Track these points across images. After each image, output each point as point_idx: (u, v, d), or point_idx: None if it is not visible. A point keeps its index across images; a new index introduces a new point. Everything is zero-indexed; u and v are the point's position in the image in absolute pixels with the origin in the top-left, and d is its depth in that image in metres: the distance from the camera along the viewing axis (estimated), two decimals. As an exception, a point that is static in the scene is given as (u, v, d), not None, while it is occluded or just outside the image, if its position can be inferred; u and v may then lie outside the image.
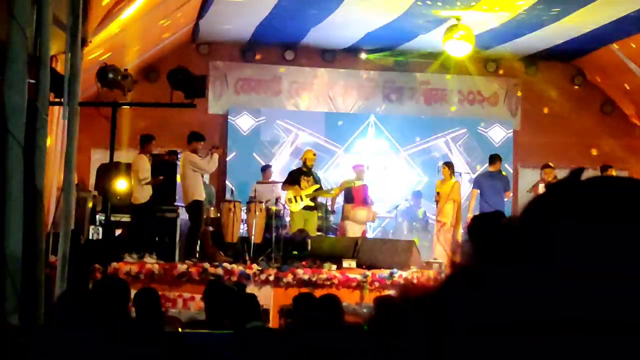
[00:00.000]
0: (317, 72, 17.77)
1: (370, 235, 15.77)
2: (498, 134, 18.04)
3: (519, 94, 18.26)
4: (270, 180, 15.62)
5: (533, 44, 16.45)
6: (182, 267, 12.36)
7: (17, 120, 4.69)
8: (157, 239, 13.22)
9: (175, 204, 13.61)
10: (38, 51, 6.34)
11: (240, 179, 16.56)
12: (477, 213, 13.41)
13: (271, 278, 12.48)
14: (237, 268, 12.56)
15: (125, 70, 9.89)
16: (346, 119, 17.80)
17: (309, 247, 13.39)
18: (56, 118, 9.97)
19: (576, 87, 18.14)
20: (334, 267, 12.84)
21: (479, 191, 14.73)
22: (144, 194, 12.99)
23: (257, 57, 17.40)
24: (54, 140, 10.34)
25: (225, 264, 12.62)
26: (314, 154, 14.92)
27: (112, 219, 12.40)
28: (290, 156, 17.21)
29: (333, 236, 14.96)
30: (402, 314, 0.79)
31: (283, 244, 13.81)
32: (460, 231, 14.23)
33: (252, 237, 14.08)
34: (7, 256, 4.48)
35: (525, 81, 18.05)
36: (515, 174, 17.65)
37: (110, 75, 9.30)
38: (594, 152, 17.45)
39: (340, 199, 15.42)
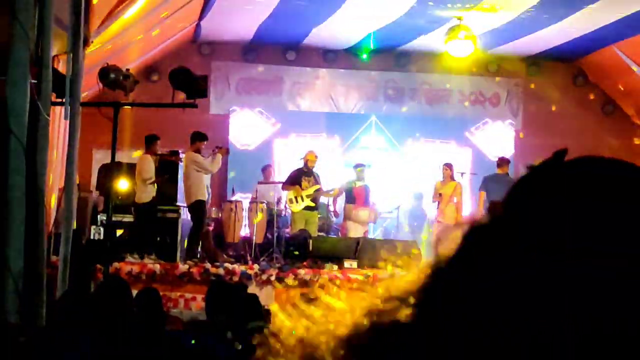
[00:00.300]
0: (318, 72, 17.77)
1: (371, 235, 15.77)
2: (499, 135, 18.04)
3: (521, 94, 18.25)
4: (271, 180, 15.63)
5: (534, 45, 16.45)
6: (183, 267, 12.36)
7: (19, 120, 4.69)
8: (158, 239, 13.23)
9: (177, 204, 13.62)
10: (40, 51, 6.35)
11: (241, 179, 16.55)
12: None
13: (272, 278, 12.49)
14: (239, 268, 12.57)
15: (127, 70, 9.89)
16: (347, 119, 17.80)
17: (311, 248, 13.39)
18: (58, 118, 9.96)
19: (577, 87, 18.13)
20: (335, 267, 12.85)
21: (485, 193, 14.71)
22: (148, 194, 13.00)
23: (259, 57, 17.39)
24: (56, 140, 10.34)
25: (227, 264, 12.63)
26: (316, 155, 14.92)
27: (114, 219, 12.42)
28: (291, 157, 17.20)
29: (334, 236, 14.97)
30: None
31: (285, 244, 13.82)
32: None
33: (254, 238, 14.09)
34: (8, 256, 4.48)
35: (526, 82, 18.05)
36: (517, 174, 17.61)
37: (112, 75, 9.31)
38: (596, 152, 17.41)
39: (341, 200, 15.41)
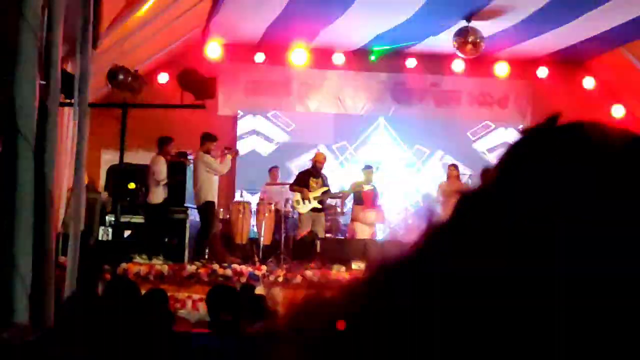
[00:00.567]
0: (326, 73, 17.77)
1: (379, 237, 15.75)
2: (508, 136, 18.01)
3: (529, 96, 18.22)
4: (278, 181, 15.63)
5: (543, 46, 16.43)
6: (191, 268, 12.37)
7: (27, 121, 4.70)
8: (166, 240, 13.24)
9: (185, 205, 13.63)
10: (48, 52, 6.36)
11: (249, 180, 16.56)
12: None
13: (280, 279, 12.49)
14: (246, 269, 12.57)
15: (136, 71, 9.92)
16: (356, 120, 17.80)
17: (318, 249, 13.39)
18: (66, 119, 9.98)
19: (586, 89, 18.10)
20: (343, 268, 12.84)
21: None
22: (160, 195, 13.03)
23: (267, 58, 17.40)
24: (64, 141, 10.35)
25: (235, 265, 12.63)
26: (324, 157, 14.93)
27: (122, 219, 12.45)
28: (298, 158, 17.20)
29: (342, 238, 14.96)
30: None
31: (292, 245, 13.82)
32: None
33: (262, 239, 14.09)
34: (17, 256, 4.49)
35: (535, 83, 18.02)
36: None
37: (121, 76, 9.33)
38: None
39: (349, 201, 15.41)
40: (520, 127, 18.05)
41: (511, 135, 17.99)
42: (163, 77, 16.34)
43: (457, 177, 15.02)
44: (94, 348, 4.60)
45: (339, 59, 17.50)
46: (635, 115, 17.83)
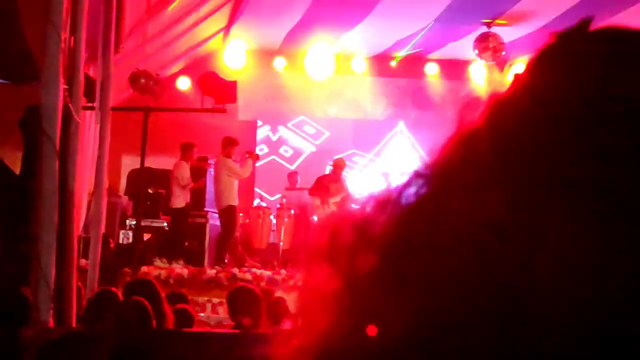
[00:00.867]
0: (347, 79, 17.78)
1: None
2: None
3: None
4: (297, 186, 15.65)
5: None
6: (211, 272, 12.40)
7: (51, 122, 4.76)
8: (186, 244, 13.30)
9: (205, 209, 13.69)
10: (71, 55, 6.42)
11: (269, 185, 16.61)
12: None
13: (300, 284, 12.48)
14: (266, 273, 12.59)
15: (157, 75, 9.98)
16: (375, 126, 17.81)
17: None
18: (87, 123, 10.06)
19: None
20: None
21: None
22: (182, 200, 13.10)
23: (287, 64, 17.43)
24: (86, 144, 10.43)
25: (254, 270, 12.66)
26: (343, 161, 14.95)
27: (143, 223, 12.51)
28: (318, 163, 17.23)
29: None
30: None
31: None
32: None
33: (281, 243, 14.12)
34: (40, 256, 4.55)
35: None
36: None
37: (143, 81, 9.39)
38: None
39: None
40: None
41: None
42: (183, 82, 16.40)
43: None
44: (113, 347, 4.64)
45: (359, 64, 17.52)
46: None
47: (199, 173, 13.58)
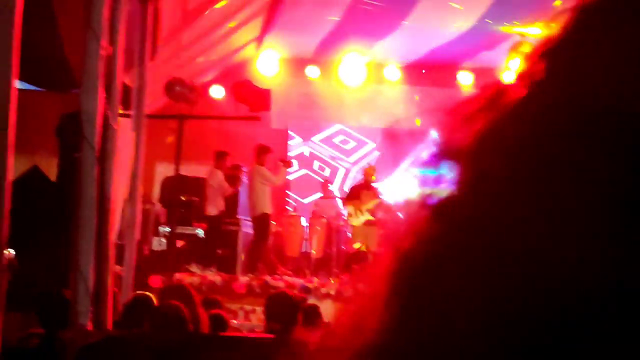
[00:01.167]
0: (378, 87, 17.77)
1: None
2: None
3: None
4: (330, 195, 15.67)
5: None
6: (243, 280, 12.44)
7: (91, 128, 4.82)
8: (219, 251, 13.36)
9: (237, 216, 13.75)
10: (109, 63, 6.49)
11: (301, 193, 16.65)
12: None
13: (332, 292, 12.50)
14: (298, 281, 12.61)
15: (192, 83, 10.04)
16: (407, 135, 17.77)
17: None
18: (123, 130, 10.15)
19: None
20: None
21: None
22: (217, 207, 13.19)
23: (320, 72, 17.46)
24: (121, 152, 10.52)
25: (287, 277, 12.69)
26: (375, 169, 14.94)
27: (176, 230, 12.59)
28: (350, 171, 17.25)
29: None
30: None
31: (344, 258, 13.83)
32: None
33: (313, 252, 14.14)
34: (80, 260, 4.60)
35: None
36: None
37: (178, 88, 9.45)
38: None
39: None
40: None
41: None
42: (217, 90, 16.47)
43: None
44: (149, 351, 4.68)
45: (392, 72, 17.51)
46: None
47: (232, 181, 13.65)
